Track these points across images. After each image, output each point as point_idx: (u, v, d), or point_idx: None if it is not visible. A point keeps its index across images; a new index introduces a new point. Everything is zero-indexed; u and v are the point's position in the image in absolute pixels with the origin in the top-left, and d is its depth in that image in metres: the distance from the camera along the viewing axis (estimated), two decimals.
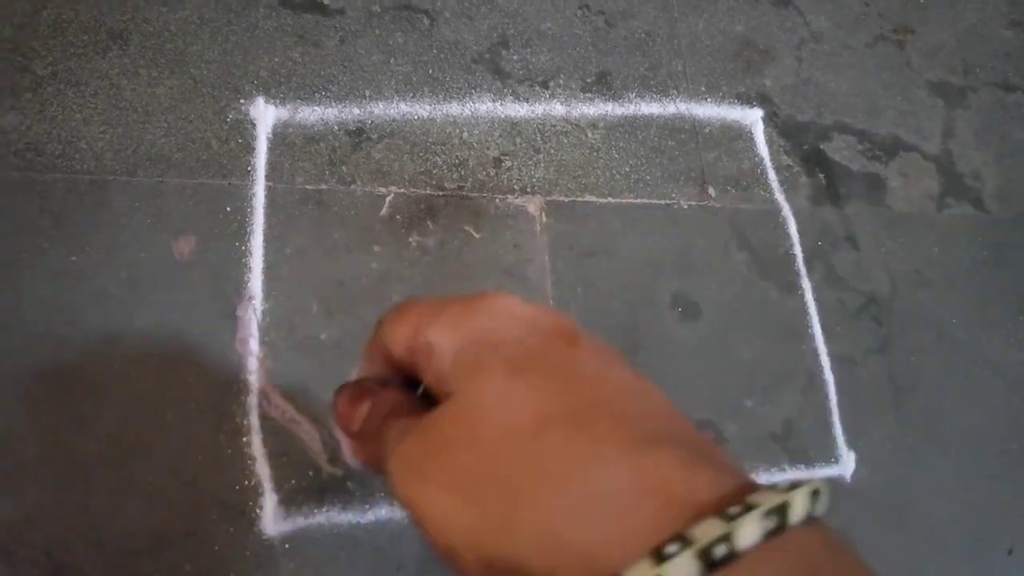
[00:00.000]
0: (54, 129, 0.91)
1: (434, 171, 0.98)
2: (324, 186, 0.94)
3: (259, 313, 0.90)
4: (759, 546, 0.35)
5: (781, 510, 0.35)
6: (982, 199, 1.26)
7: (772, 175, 1.12)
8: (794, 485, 0.37)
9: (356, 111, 0.98)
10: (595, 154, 1.04)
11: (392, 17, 1.02)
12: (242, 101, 0.96)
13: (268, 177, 0.94)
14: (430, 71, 1.00)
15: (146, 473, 0.82)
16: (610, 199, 1.03)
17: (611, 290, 0.99)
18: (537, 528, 0.37)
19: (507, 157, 1.00)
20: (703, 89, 1.12)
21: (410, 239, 0.95)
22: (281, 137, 0.96)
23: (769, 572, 0.35)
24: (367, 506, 0.87)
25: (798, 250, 1.11)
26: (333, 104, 0.98)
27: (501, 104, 1.01)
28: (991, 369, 1.13)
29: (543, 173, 1.01)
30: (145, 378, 0.85)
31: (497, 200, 0.98)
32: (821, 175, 1.17)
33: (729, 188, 1.09)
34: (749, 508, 0.35)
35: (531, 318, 0.44)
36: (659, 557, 0.35)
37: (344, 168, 0.95)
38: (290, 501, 0.85)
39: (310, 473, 0.87)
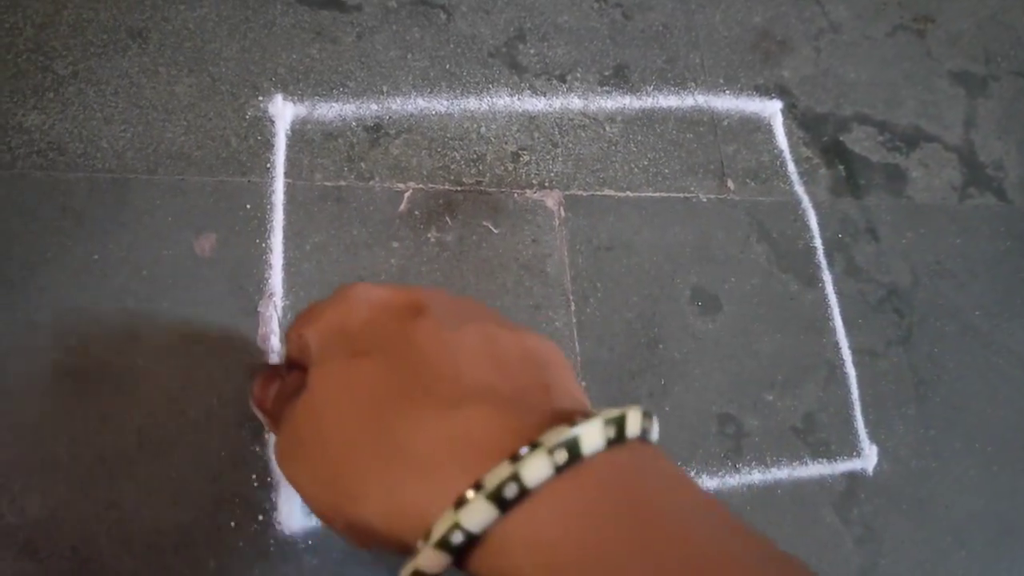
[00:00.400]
0: (76, 128, 0.91)
1: (452, 166, 0.97)
2: (343, 182, 0.94)
3: (280, 310, 0.90)
4: (551, 481, 0.39)
5: (573, 444, 0.39)
6: (1004, 189, 1.25)
7: (792, 167, 1.12)
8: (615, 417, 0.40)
9: (374, 107, 0.98)
10: (613, 148, 1.04)
11: (409, 12, 1.02)
12: (260, 98, 0.96)
13: (287, 174, 0.94)
14: (447, 66, 1.00)
15: (171, 469, 0.83)
16: (628, 193, 1.02)
17: (630, 284, 0.99)
18: (377, 496, 0.43)
19: (525, 152, 1.00)
20: (721, 81, 1.11)
21: (429, 234, 0.95)
22: (300, 134, 0.96)
23: (561, 503, 0.39)
24: None
25: (818, 242, 1.10)
26: (351, 100, 0.98)
27: (518, 98, 1.01)
28: (1015, 360, 1.12)
29: (561, 167, 1.00)
30: (168, 374, 0.86)
31: (515, 195, 0.98)
32: (841, 167, 1.16)
33: (748, 181, 1.09)
34: (536, 447, 0.38)
35: (383, 299, 0.50)
36: (459, 504, 0.39)
37: (363, 164, 0.96)
38: None
39: None
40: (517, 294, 0.94)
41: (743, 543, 0.40)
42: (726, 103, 1.09)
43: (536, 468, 0.39)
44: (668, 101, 1.06)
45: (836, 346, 1.07)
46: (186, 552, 0.81)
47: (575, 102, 1.03)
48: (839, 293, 1.08)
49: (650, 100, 1.06)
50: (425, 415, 0.43)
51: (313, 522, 0.85)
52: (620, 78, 1.06)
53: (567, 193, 0.99)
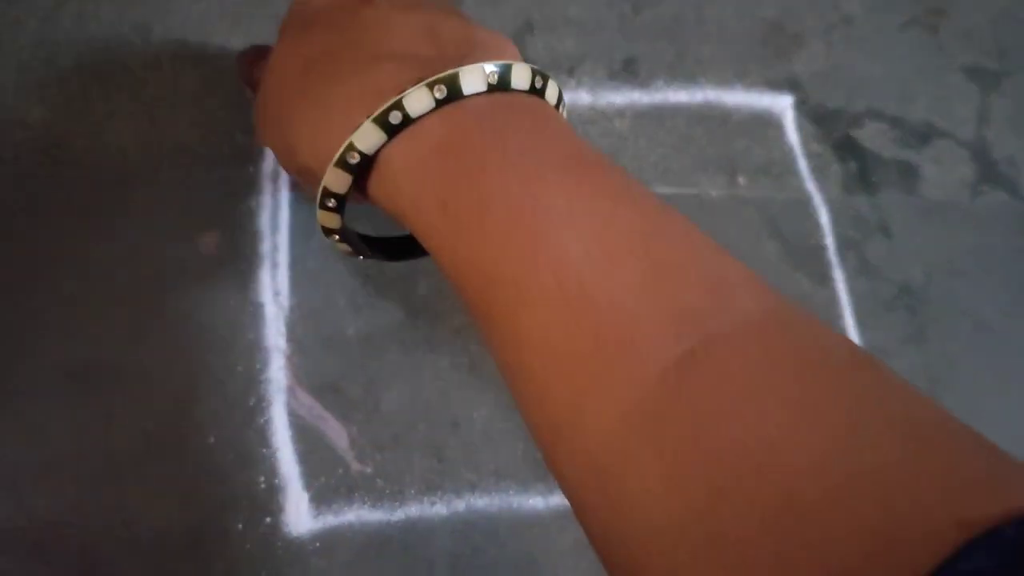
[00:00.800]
0: (79, 124, 0.90)
1: None
2: None
3: (286, 308, 0.89)
4: (432, 112, 0.47)
5: (452, 81, 0.45)
6: (1018, 186, 1.24)
7: (803, 163, 1.10)
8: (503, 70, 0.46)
9: None
10: (623, 143, 1.02)
11: None
12: None
13: None
14: None
15: (178, 471, 0.82)
16: None
17: None
18: (307, 137, 0.52)
19: None
20: (732, 76, 1.10)
21: None
22: None
23: (437, 129, 0.46)
24: (397, 504, 0.87)
25: (830, 240, 1.09)
26: None
27: None
28: None
29: None
30: (173, 374, 0.85)
31: None
32: (853, 163, 1.15)
33: (759, 177, 1.07)
34: (420, 83, 0.46)
35: None
36: (354, 131, 0.48)
37: None
38: (320, 499, 0.85)
39: (339, 471, 0.86)
40: None
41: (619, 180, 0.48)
42: (737, 98, 1.08)
43: (417, 100, 0.45)
44: (678, 96, 1.05)
45: None
46: (194, 554, 0.80)
47: (584, 96, 1.02)
48: (851, 291, 1.07)
49: (660, 95, 1.04)
50: (346, 69, 0.50)
51: (320, 524, 0.84)
52: (629, 72, 1.04)
53: None
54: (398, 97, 0.45)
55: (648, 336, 0.38)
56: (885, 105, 1.20)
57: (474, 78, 0.45)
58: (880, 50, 1.22)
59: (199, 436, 0.83)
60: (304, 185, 0.63)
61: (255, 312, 0.89)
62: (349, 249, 0.65)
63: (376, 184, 0.50)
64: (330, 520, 0.84)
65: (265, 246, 0.90)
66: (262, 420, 0.85)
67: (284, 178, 0.93)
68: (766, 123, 1.11)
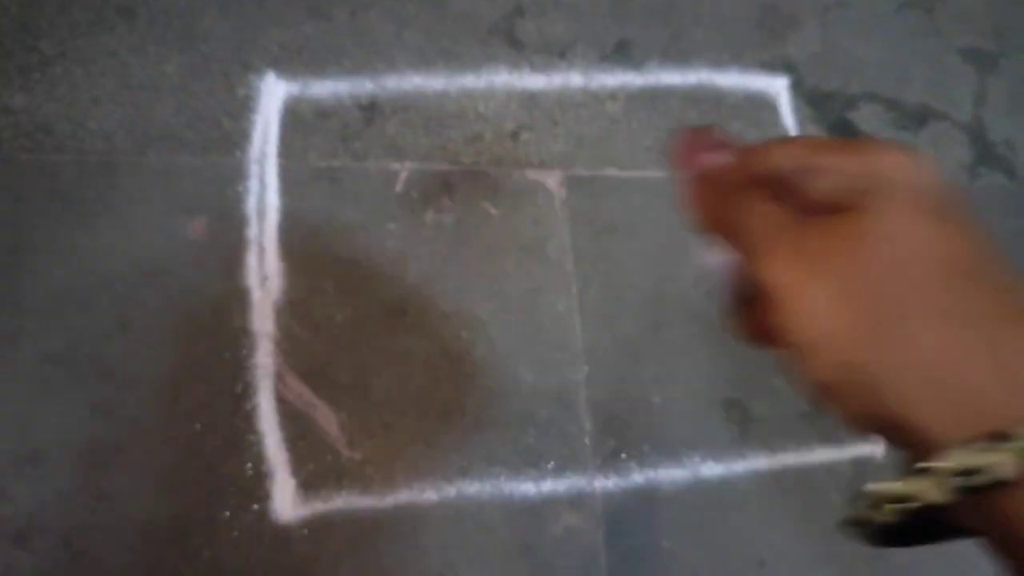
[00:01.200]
0: (63, 109, 0.89)
1: (449, 145, 0.95)
2: (337, 162, 0.92)
3: (273, 294, 0.88)
4: None
5: None
6: (1015, 168, 1.22)
7: None
8: None
9: (368, 85, 0.95)
10: (615, 126, 1.01)
11: None
12: (252, 77, 0.93)
13: (280, 154, 0.92)
14: (444, 42, 0.97)
15: (163, 458, 0.81)
16: (632, 172, 1.00)
17: (634, 266, 0.96)
18: (908, 356, 0.37)
19: (524, 130, 0.97)
20: (726, 58, 1.08)
21: (426, 216, 0.92)
22: (293, 113, 0.93)
23: None
24: (387, 491, 0.85)
25: None
26: (345, 78, 0.95)
27: (518, 75, 0.99)
28: None
29: (562, 146, 0.98)
30: (159, 361, 0.84)
31: (515, 175, 0.96)
32: None
33: None
34: None
35: (915, 169, 0.46)
36: (994, 438, 0.33)
37: (357, 144, 0.93)
38: (308, 486, 0.84)
39: (328, 457, 0.85)
40: (517, 277, 0.91)
41: None
42: (731, 80, 1.06)
43: None
44: (672, 78, 1.04)
45: None
46: (180, 543, 0.79)
47: (576, 79, 1.00)
48: None
49: (653, 77, 1.03)
50: (984, 314, 0.38)
51: (308, 511, 0.83)
52: (622, 54, 1.03)
53: (568, 173, 0.96)
54: None
55: None
56: (881, 87, 1.19)
57: None
58: (876, 32, 1.21)
59: (185, 423, 0.82)
60: (826, 378, 0.45)
61: (242, 298, 0.87)
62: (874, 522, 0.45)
63: (1005, 502, 0.35)
64: (318, 507, 0.83)
65: (252, 231, 0.89)
66: (249, 407, 0.84)
67: (272, 162, 0.92)
68: (761, 105, 1.10)
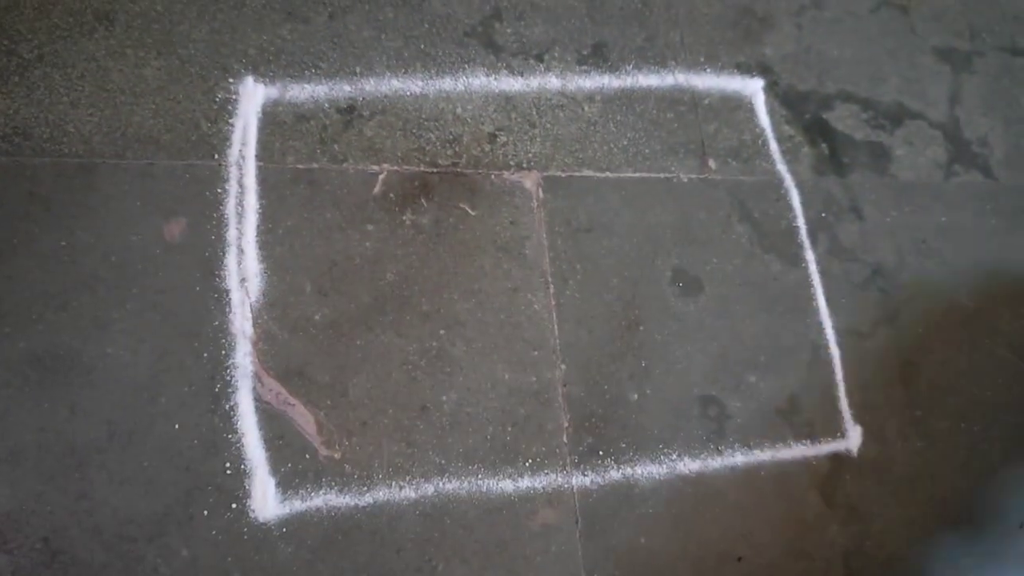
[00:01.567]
0: (42, 113, 0.90)
1: (427, 148, 0.96)
2: (315, 165, 0.93)
3: (252, 295, 0.89)
4: None
5: None
6: (990, 166, 1.24)
7: (774, 146, 1.10)
8: None
9: (347, 88, 0.96)
10: (592, 128, 1.02)
11: None
12: (231, 80, 0.94)
13: (259, 157, 0.93)
14: (422, 46, 0.98)
15: (142, 458, 0.81)
16: (608, 173, 1.01)
17: (611, 266, 0.97)
18: None
19: (502, 132, 0.98)
20: (702, 59, 1.09)
21: (404, 217, 0.93)
22: (271, 116, 0.94)
23: None
24: (365, 489, 0.86)
25: (801, 222, 1.09)
26: (323, 81, 0.96)
27: (495, 78, 1.00)
28: (1001, 339, 1.10)
29: (539, 148, 0.99)
30: (138, 362, 0.84)
31: (492, 176, 0.97)
32: (824, 145, 1.15)
33: (730, 160, 1.07)
34: None
35: None
36: None
37: (336, 146, 0.94)
38: (287, 485, 0.84)
39: (306, 456, 0.86)
40: (495, 277, 0.92)
41: None
42: (707, 81, 1.08)
43: None
44: (648, 80, 1.05)
45: (820, 326, 1.05)
46: (158, 542, 0.80)
47: (553, 82, 1.01)
48: (823, 273, 1.07)
49: (629, 79, 1.04)
50: None
51: (287, 509, 0.84)
52: (599, 57, 1.04)
53: (545, 174, 0.98)
54: None
55: None
56: (856, 87, 1.20)
57: None
58: (851, 32, 1.22)
59: (163, 423, 0.82)
60: None
61: (221, 299, 0.88)
62: None
63: None
64: (297, 505, 0.84)
65: (231, 233, 0.90)
66: (228, 406, 0.84)
67: (251, 164, 0.93)
68: (737, 106, 1.11)
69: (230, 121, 0.94)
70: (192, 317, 0.87)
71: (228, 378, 0.86)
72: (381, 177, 0.94)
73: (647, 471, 0.92)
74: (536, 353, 0.92)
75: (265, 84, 0.95)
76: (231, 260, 0.89)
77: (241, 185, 0.92)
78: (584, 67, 1.06)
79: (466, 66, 1.00)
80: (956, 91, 1.26)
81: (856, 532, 1.00)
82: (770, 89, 1.14)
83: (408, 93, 0.97)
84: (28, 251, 0.85)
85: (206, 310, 0.87)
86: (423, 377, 0.91)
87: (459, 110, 0.98)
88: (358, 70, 0.98)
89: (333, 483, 0.86)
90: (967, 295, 1.09)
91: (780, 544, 0.95)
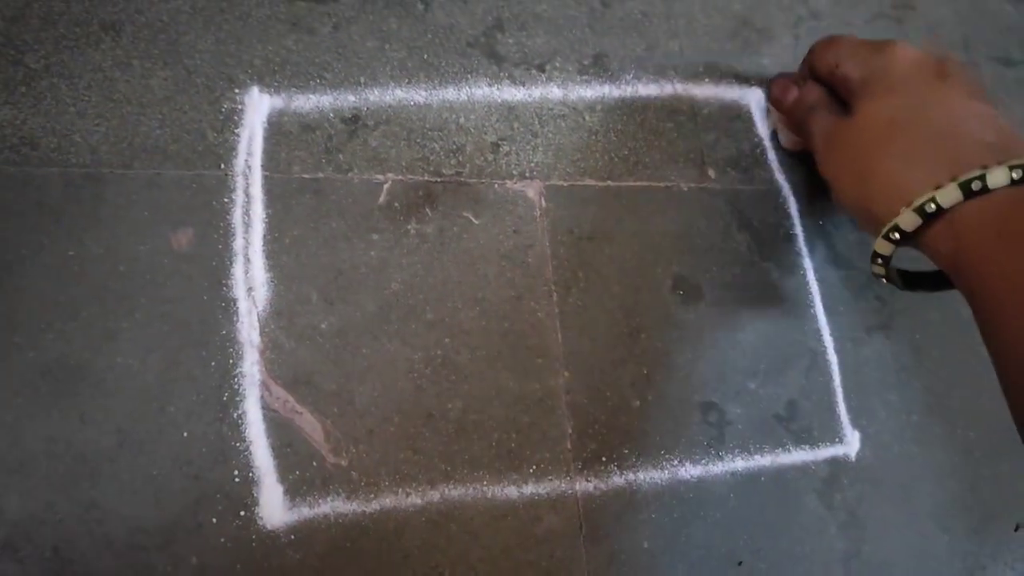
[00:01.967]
0: (48, 123, 0.90)
1: (431, 157, 0.97)
2: (321, 175, 0.94)
3: (259, 304, 0.90)
4: (1008, 187, 0.63)
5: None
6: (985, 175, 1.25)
7: (772, 155, 1.12)
8: None
9: (351, 98, 0.97)
10: (593, 137, 1.03)
11: (386, 2, 1.01)
12: (236, 91, 0.95)
13: (264, 167, 0.94)
14: (425, 56, 0.99)
15: (151, 467, 0.82)
16: (609, 182, 1.02)
17: (612, 274, 0.99)
18: (880, 187, 0.71)
19: (505, 142, 0.99)
20: (701, 69, 1.11)
21: (408, 226, 0.94)
22: (277, 126, 0.95)
23: (1013, 201, 0.62)
24: (372, 495, 0.87)
25: (799, 230, 1.10)
26: (328, 92, 0.97)
27: (498, 88, 1.01)
28: None
29: (541, 157, 1.00)
30: (147, 371, 0.85)
31: (496, 185, 0.98)
32: None
33: (729, 169, 1.09)
34: (1001, 163, 0.63)
35: (918, 59, 0.76)
36: (936, 188, 0.66)
37: (341, 156, 0.95)
38: (295, 492, 0.85)
39: (314, 464, 0.87)
40: (499, 285, 0.93)
41: None
42: (706, 91, 1.09)
43: (998, 175, 0.62)
44: (648, 90, 1.06)
45: (818, 333, 1.07)
46: (168, 550, 0.80)
47: (554, 91, 1.03)
48: (820, 280, 1.09)
49: (630, 89, 1.05)
50: (931, 137, 0.66)
51: (295, 517, 0.84)
52: (599, 67, 1.05)
53: (548, 183, 0.99)
54: (982, 172, 0.63)
55: None
56: None
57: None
58: None
59: (173, 432, 0.83)
60: (860, 221, 0.80)
61: (228, 308, 0.89)
62: (883, 272, 0.83)
63: (937, 232, 0.67)
64: (305, 512, 0.85)
65: (238, 243, 0.90)
66: (236, 414, 0.85)
67: (257, 174, 0.94)
68: (735, 116, 1.12)
69: (236, 131, 0.95)
70: (200, 326, 0.88)
71: (236, 387, 0.86)
72: (386, 187, 0.95)
73: (649, 476, 0.93)
74: (540, 361, 0.94)
75: (270, 94, 0.96)
76: (238, 269, 0.90)
77: (247, 195, 0.93)
78: (585, 77, 1.07)
79: (469, 76, 1.02)
80: None
81: (854, 536, 1.01)
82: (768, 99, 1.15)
83: (412, 103, 0.99)
84: (36, 262, 0.86)
85: (214, 319, 0.88)
86: (428, 385, 0.92)
87: (462, 120, 0.99)
88: (362, 80, 0.99)
89: (340, 490, 0.86)
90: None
91: (780, 548, 0.96)
